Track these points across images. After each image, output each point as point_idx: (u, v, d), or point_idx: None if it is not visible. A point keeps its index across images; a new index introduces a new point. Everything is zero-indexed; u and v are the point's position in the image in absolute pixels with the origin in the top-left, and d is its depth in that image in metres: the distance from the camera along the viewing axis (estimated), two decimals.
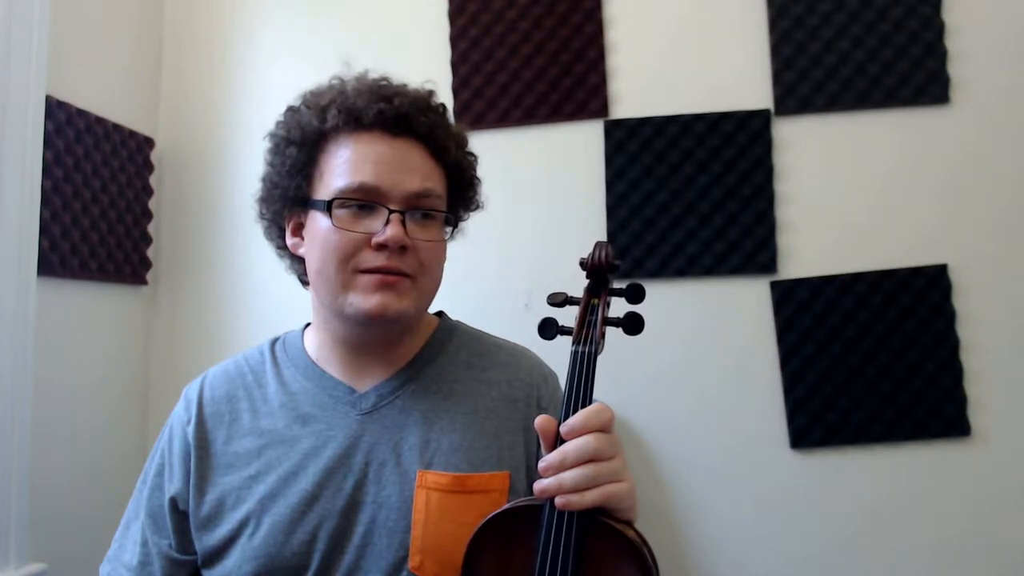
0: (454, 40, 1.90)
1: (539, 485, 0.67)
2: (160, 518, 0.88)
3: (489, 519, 0.71)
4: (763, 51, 1.78)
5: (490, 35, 1.88)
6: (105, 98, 1.81)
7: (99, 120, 1.77)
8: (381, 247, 0.81)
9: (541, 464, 0.68)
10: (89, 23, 1.79)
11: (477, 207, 0.97)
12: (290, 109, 0.90)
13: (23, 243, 1.51)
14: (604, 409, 0.69)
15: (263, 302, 1.92)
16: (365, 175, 0.82)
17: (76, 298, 1.72)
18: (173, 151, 2.02)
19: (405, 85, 0.89)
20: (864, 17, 1.74)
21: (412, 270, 0.83)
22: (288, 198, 0.88)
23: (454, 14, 1.90)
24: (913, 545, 1.64)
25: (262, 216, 0.93)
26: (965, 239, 1.68)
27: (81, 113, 1.71)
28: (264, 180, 0.91)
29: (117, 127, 1.83)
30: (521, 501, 0.72)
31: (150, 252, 1.95)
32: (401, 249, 0.81)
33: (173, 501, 0.88)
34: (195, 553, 0.87)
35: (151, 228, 1.95)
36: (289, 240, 0.91)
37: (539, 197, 1.84)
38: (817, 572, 1.66)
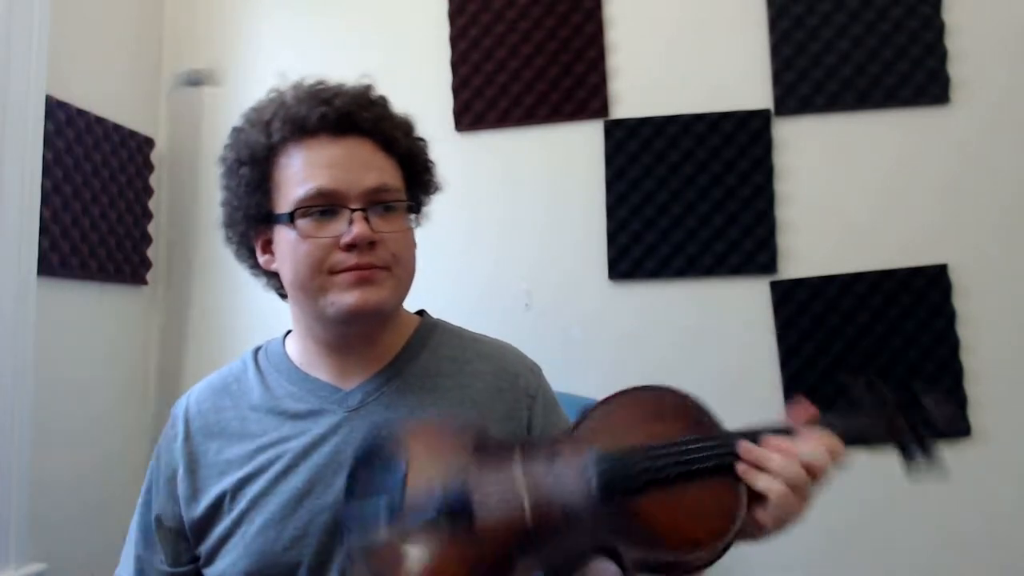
0: (454, 40, 1.89)
1: (756, 448, 0.73)
2: (149, 534, 0.91)
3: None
4: (763, 51, 1.78)
5: (490, 35, 1.88)
6: (105, 98, 1.81)
7: (99, 120, 1.77)
8: (350, 247, 0.82)
9: (781, 439, 0.74)
10: (89, 23, 1.79)
11: (436, 189, 0.98)
12: (235, 130, 0.92)
13: (23, 243, 1.51)
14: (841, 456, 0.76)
15: (263, 302, 1.90)
16: (320, 180, 0.83)
17: (76, 298, 1.72)
18: (173, 151, 2.02)
19: (342, 85, 0.90)
20: (864, 17, 1.74)
21: (385, 262, 0.84)
22: (251, 217, 0.89)
23: (454, 14, 1.90)
24: (913, 544, 1.63)
25: (229, 240, 0.93)
26: (965, 239, 1.68)
27: (81, 113, 1.71)
28: (224, 204, 0.92)
29: (117, 127, 1.83)
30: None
31: (150, 252, 1.94)
32: (370, 245, 0.82)
33: (158, 519, 0.90)
34: (189, 563, 0.89)
35: (151, 228, 1.95)
36: (261, 258, 0.92)
37: (539, 197, 1.83)
38: (816, 570, 1.66)
